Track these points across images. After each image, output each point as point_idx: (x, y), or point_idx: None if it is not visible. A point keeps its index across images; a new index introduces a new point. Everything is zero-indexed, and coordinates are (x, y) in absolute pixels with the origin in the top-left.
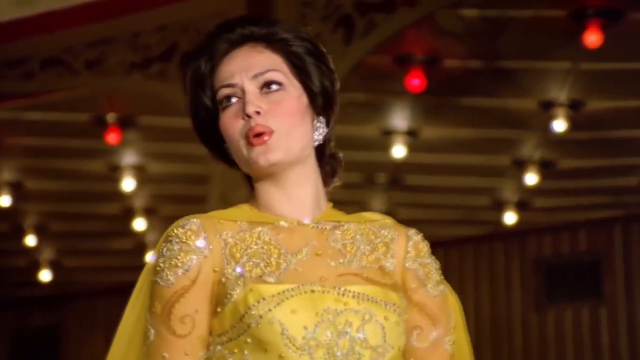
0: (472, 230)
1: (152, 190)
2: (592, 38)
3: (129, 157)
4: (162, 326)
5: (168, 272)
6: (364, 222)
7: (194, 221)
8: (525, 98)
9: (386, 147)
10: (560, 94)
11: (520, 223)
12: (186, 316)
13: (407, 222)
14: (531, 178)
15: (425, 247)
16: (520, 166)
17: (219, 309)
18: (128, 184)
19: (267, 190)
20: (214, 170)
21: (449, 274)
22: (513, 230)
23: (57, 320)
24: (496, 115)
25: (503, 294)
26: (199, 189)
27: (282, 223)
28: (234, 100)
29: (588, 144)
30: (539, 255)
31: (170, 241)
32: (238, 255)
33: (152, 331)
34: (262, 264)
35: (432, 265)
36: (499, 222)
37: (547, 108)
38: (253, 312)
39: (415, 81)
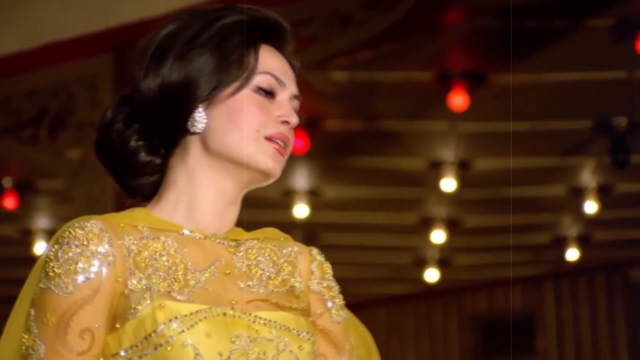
0: (400, 289)
1: None
2: (458, 100)
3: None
4: (57, 341)
5: (66, 279)
6: (264, 241)
7: (94, 222)
8: (414, 157)
9: (288, 206)
10: (448, 153)
11: (443, 281)
12: (86, 330)
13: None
14: (439, 236)
15: (329, 268)
16: (428, 224)
17: (117, 325)
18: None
19: (204, 187)
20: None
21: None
22: (448, 288)
23: None
24: (389, 174)
25: (442, 351)
26: None
27: (186, 232)
28: (271, 93)
29: (486, 203)
30: (475, 312)
31: (68, 243)
32: (143, 265)
33: (43, 347)
34: (169, 279)
35: (336, 289)
36: (422, 280)
37: (436, 167)
38: (164, 331)
39: (298, 142)
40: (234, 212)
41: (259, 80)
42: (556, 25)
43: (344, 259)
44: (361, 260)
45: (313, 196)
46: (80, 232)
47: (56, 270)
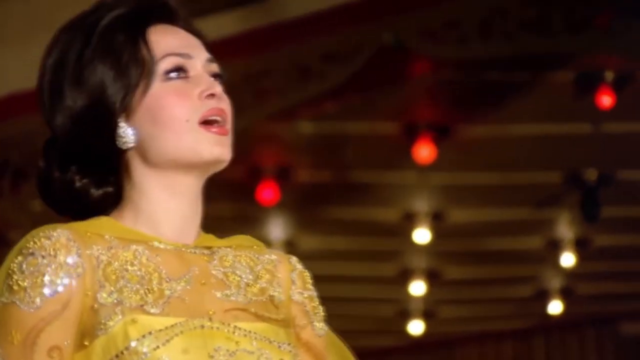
0: (387, 341)
1: None
2: (424, 152)
3: None
4: None
5: (32, 293)
6: (238, 248)
7: (61, 231)
8: (387, 208)
9: None
10: (421, 204)
11: (429, 333)
12: (54, 348)
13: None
14: (419, 287)
15: (309, 277)
16: (407, 275)
17: (86, 342)
18: None
19: (159, 200)
20: None
21: None
22: (435, 341)
23: None
24: (363, 225)
25: None
26: None
27: (157, 244)
28: (182, 73)
29: (463, 254)
30: None
31: (33, 254)
32: (114, 277)
33: None
34: (142, 290)
35: (317, 300)
36: (407, 332)
37: (410, 218)
38: (137, 348)
39: (268, 193)
40: (198, 212)
41: (163, 66)
42: (518, 78)
43: (326, 311)
44: (343, 312)
45: (289, 247)
46: (46, 242)
47: (21, 284)
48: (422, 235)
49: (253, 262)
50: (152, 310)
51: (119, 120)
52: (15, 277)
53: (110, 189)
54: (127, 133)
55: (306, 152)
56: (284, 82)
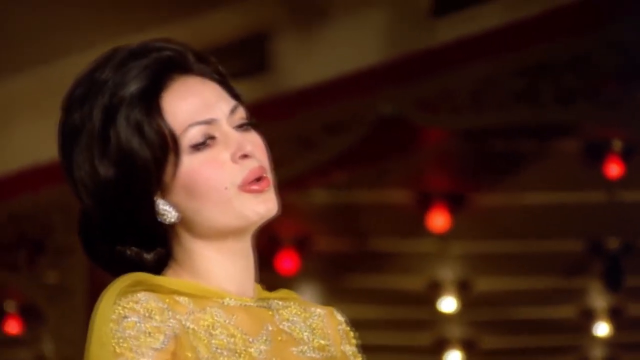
0: None
1: None
2: (439, 220)
3: None
4: None
5: (140, 351)
6: (285, 300)
7: (146, 294)
8: (411, 277)
9: None
10: (444, 273)
11: None
12: None
13: None
14: (455, 357)
15: (352, 332)
16: (442, 345)
17: None
18: None
19: (215, 260)
20: None
21: None
22: None
23: None
24: (389, 294)
25: None
26: None
27: (228, 300)
28: (208, 140)
29: (497, 323)
30: None
31: (126, 317)
32: (205, 341)
33: None
34: (233, 357)
35: (361, 356)
36: None
37: (435, 288)
38: None
39: (287, 263)
40: (253, 264)
41: (187, 140)
42: (524, 147)
43: None
44: None
45: None
46: (136, 305)
47: (125, 345)
48: (448, 304)
49: (305, 316)
50: None
51: (155, 197)
52: (114, 342)
53: (162, 250)
54: (167, 210)
55: (322, 220)
56: (288, 151)
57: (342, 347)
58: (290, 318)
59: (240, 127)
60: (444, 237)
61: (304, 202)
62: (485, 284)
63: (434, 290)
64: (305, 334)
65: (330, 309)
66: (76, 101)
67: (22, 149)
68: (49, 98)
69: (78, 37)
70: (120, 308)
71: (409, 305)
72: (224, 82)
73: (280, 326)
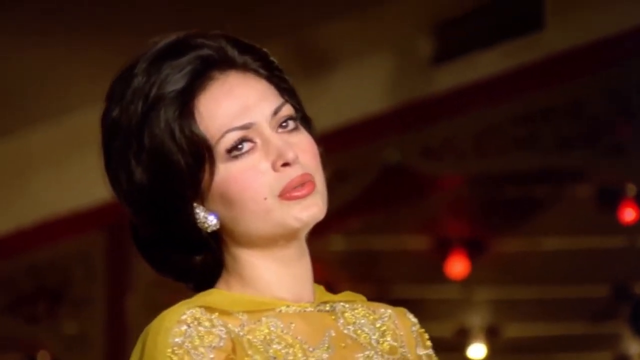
0: None
1: None
2: (458, 267)
3: None
4: None
5: (201, 350)
6: (351, 302)
7: (197, 309)
8: (437, 324)
9: None
10: (470, 319)
11: None
12: None
13: None
14: None
15: (426, 333)
16: None
17: None
18: None
19: (265, 267)
20: None
21: None
22: None
23: None
24: None
25: None
26: None
27: (284, 309)
28: (247, 146)
29: None
30: None
31: (174, 328)
32: (260, 351)
33: None
34: None
35: (435, 358)
36: None
37: (462, 334)
38: None
39: None
40: (308, 266)
41: (224, 146)
42: (537, 192)
43: None
44: None
45: None
46: (183, 316)
47: (179, 351)
48: (478, 350)
49: (372, 317)
50: None
51: (195, 205)
52: (169, 351)
53: (210, 256)
54: (207, 218)
55: (342, 267)
56: None
57: (416, 349)
58: (356, 321)
59: (285, 127)
60: (465, 283)
61: (322, 249)
62: (514, 330)
63: (463, 337)
64: (373, 337)
65: (402, 309)
66: (116, 96)
67: (41, 200)
68: (66, 149)
69: (95, 90)
70: (171, 318)
71: (438, 353)
72: (272, 76)
73: (345, 331)
